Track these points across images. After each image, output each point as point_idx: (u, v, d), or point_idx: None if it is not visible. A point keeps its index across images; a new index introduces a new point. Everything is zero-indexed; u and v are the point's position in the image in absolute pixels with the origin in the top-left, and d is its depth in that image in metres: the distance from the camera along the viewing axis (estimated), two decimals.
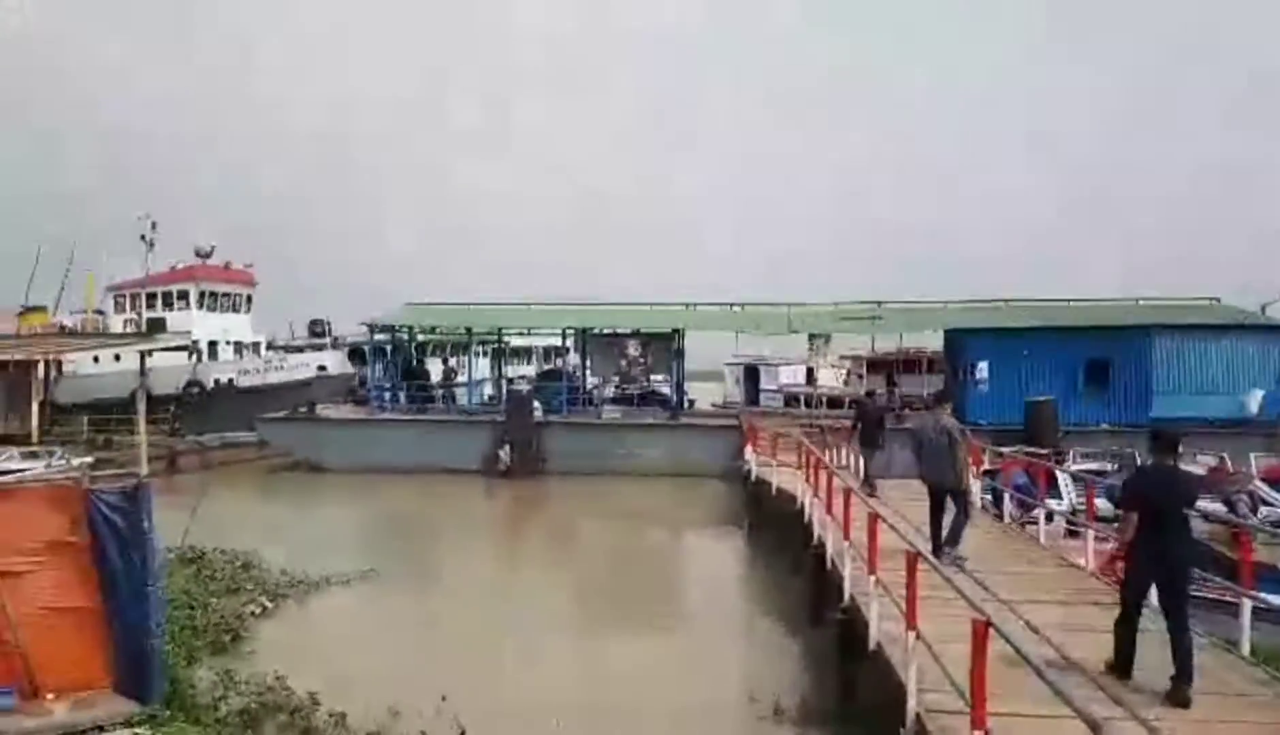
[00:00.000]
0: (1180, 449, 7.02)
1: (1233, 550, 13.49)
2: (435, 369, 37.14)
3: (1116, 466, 21.54)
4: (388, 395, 32.95)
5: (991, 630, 4.76)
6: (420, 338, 37.74)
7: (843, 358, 45.95)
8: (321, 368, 38.24)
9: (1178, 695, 6.26)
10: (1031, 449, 19.24)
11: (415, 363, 35.41)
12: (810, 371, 40.29)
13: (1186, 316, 28.65)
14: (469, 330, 35.64)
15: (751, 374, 43.35)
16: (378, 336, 35.26)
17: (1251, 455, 21.79)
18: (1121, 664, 6.67)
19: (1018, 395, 25.69)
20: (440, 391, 34.10)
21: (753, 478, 21.49)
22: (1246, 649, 7.29)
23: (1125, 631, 6.71)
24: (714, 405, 38.30)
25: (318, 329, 45.08)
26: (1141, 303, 30.64)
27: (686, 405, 33.30)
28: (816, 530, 12.81)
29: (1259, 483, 19.91)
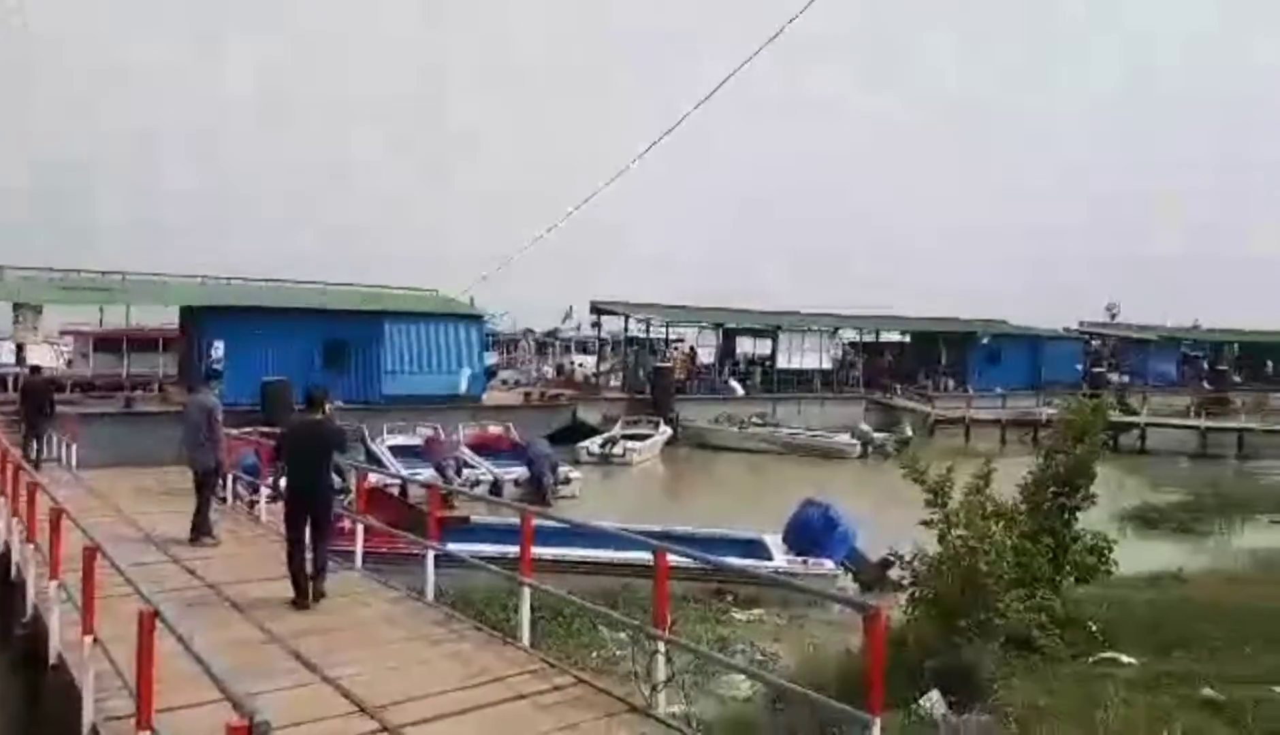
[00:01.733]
0: (327, 406, 8.49)
1: (444, 508, 15.67)
2: None
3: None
4: None
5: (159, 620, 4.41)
6: None
7: (64, 334, 39.46)
8: None
9: (317, 586, 8.01)
10: (267, 429, 19.24)
11: None
12: (20, 348, 33.45)
13: (412, 305, 32.05)
14: None
15: None
16: None
17: (460, 426, 25.63)
18: (301, 595, 7.96)
19: (256, 375, 25.43)
20: None
21: None
22: (431, 594, 8.33)
23: (297, 565, 8.00)
24: None
25: None
26: (373, 289, 33.24)
27: None
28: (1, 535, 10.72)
29: (465, 449, 23.60)
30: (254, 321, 27.06)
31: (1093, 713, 5.47)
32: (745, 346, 43.38)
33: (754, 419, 33.78)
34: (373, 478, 14.69)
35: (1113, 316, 55.86)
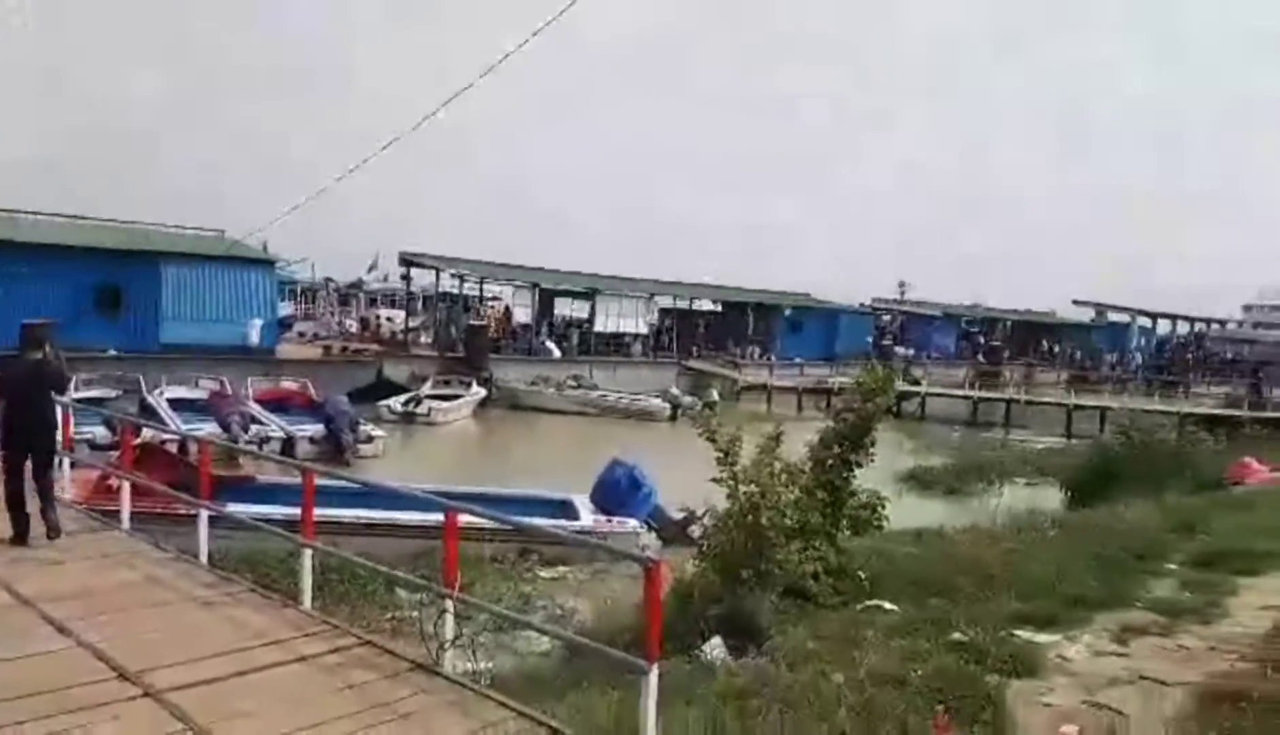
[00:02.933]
0: (46, 345, 8.56)
1: (228, 467, 14.71)
2: None
3: (120, 393, 21.15)
4: None
5: None
6: None
7: None
8: None
9: (50, 521, 8.00)
10: None
11: None
12: None
13: (195, 246, 29.62)
14: None
15: None
16: None
17: (249, 380, 24.06)
18: (20, 535, 7.93)
19: (17, 317, 22.75)
20: None
21: None
22: (204, 556, 7.78)
23: (16, 503, 7.96)
24: None
25: None
26: (151, 228, 30.47)
27: None
28: None
29: (254, 404, 22.15)
30: (17, 259, 24.18)
31: (854, 654, 5.89)
32: (563, 308, 43.36)
33: (569, 381, 33.93)
34: (147, 433, 13.57)
35: (903, 293, 60.29)
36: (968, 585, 7.92)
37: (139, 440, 11.45)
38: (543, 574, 12.04)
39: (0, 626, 5.81)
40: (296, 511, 7.99)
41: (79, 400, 15.10)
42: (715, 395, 34.77)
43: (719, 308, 49.66)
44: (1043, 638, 6.68)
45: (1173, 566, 9.28)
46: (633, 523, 13.34)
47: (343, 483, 10.78)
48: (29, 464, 8.16)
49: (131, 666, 5.37)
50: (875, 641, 6.11)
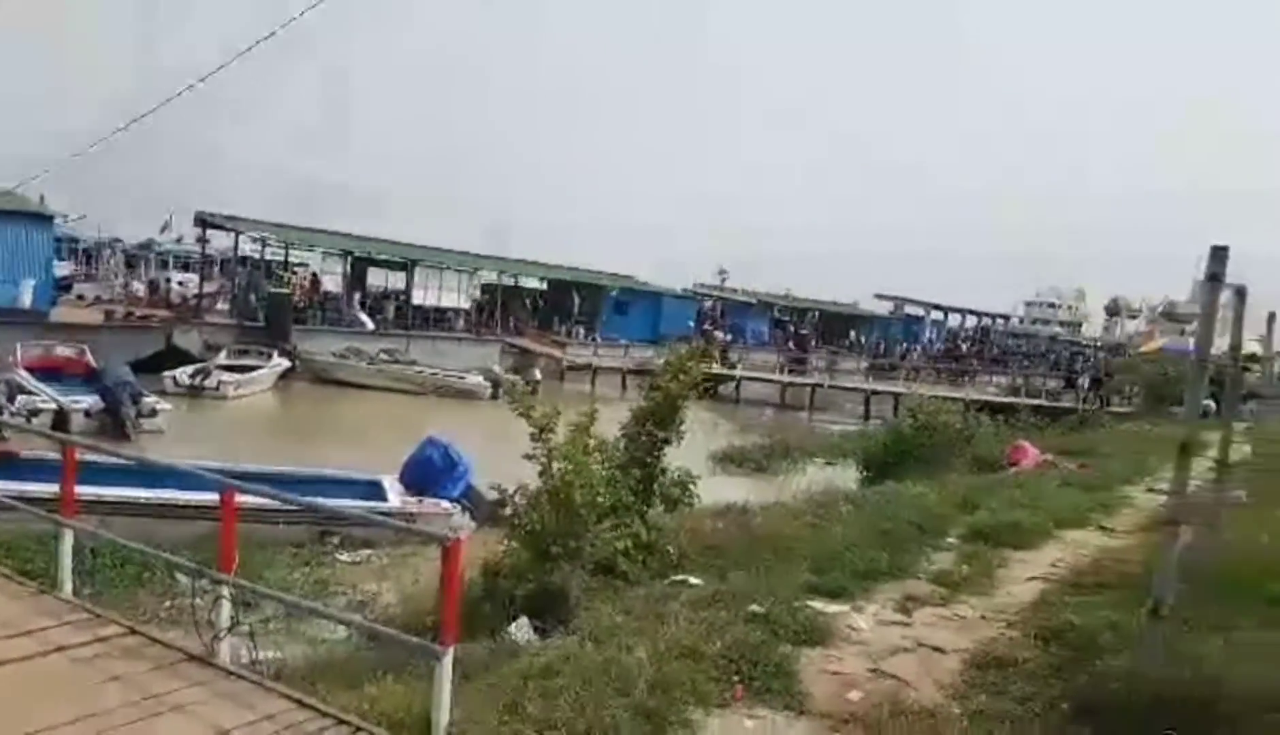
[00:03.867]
0: None
1: None
2: None
3: None
4: None
5: None
6: None
7: None
8: None
9: None
10: None
11: None
12: None
13: None
14: None
15: None
16: None
17: (19, 344, 21.64)
18: None
19: None
20: None
21: None
22: None
23: None
24: None
25: None
26: None
27: None
28: None
29: (22, 372, 19.93)
30: None
31: (659, 627, 5.97)
32: (378, 279, 41.64)
33: (382, 355, 32.65)
34: None
35: (723, 280, 62.37)
36: (768, 559, 8.23)
37: None
38: (343, 558, 11.53)
39: None
40: (80, 488, 7.24)
41: None
42: (538, 374, 34.58)
43: (544, 286, 49.43)
44: (833, 608, 7.04)
45: (953, 541, 10.05)
46: (445, 503, 13.01)
47: (113, 459, 9.83)
48: None
49: None
50: (679, 614, 6.21)
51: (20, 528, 8.41)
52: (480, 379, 31.86)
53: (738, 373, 39.72)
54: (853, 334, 64.20)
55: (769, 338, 57.96)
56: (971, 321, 72.42)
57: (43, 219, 28.05)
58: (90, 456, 7.33)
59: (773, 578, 7.50)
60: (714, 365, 25.03)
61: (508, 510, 11.00)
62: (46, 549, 8.20)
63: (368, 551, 11.79)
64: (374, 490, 13.10)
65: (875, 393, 37.47)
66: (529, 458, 7.27)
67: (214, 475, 5.84)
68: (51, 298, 28.08)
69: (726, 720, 5.16)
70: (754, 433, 26.77)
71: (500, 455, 14.95)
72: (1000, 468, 18.00)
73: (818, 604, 7.03)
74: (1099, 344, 73.18)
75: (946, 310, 69.08)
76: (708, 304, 57.81)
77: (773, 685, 5.51)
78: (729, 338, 52.72)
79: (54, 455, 12.20)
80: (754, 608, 6.53)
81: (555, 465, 7.04)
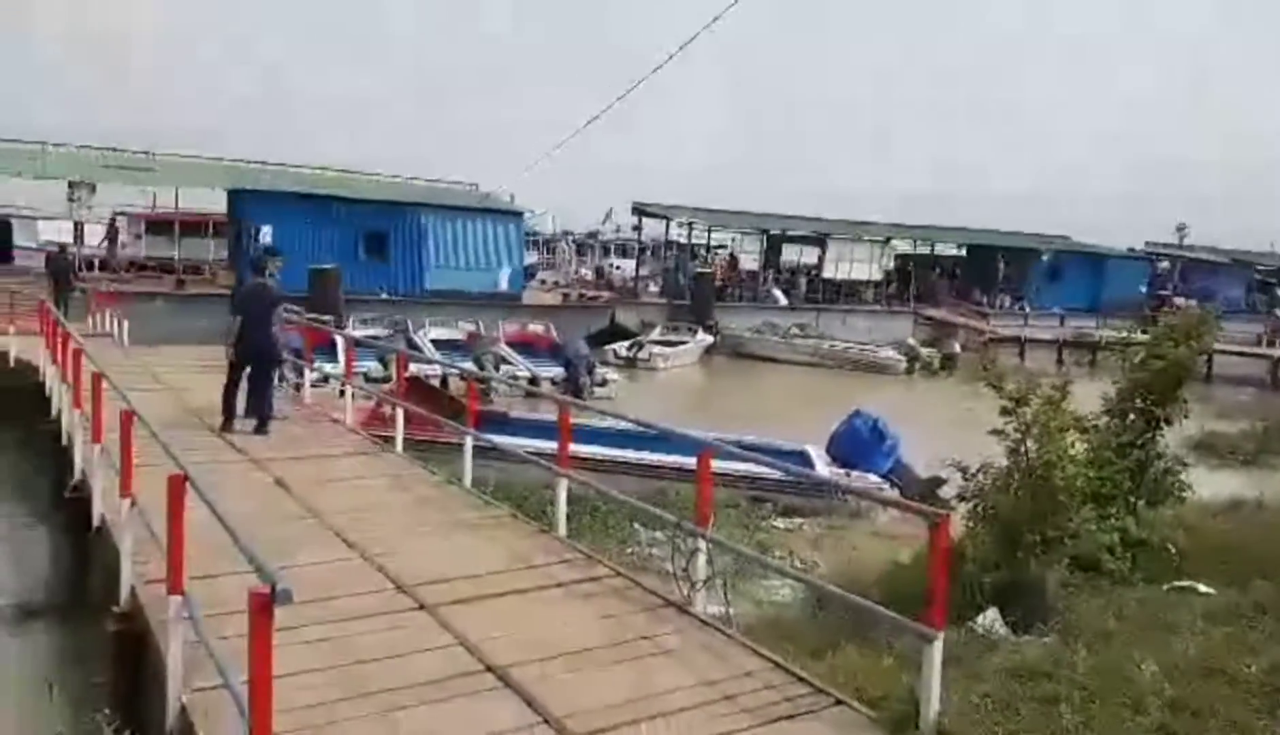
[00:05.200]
0: (269, 270, 9.84)
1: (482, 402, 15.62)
2: None
3: (391, 332, 23.10)
4: None
5: (190, 486, 4.20)
6: None
7: (120, 214, 39.29)
8: None
9: (260, 429, 9.50)
10: (315, 315, 19.20)
11: None
12: (79, 227, 33.28)
13: (450, 198, 31.66)
14: None
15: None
16: None
17: (499, 322, 25.58)
18: (228, 418, 9.57)
19: (302, 262, 25.36)
20: None
21: None
22: (468, 480, 8.17)
23: (231, 399, 9.63)
24: None
25: None
26: (413, 182, 32.90)
27: None
28: (55, 402, 10.97)
29: (503, 345, 23.54)
30: (299, 208, 26.99)
31: (1167, 638, 5.08)
32: (791, 255, 42.20)
33: (794, 329, 33.07)
34: (412, 366, 14.60)
35: (1182, 238, 53.30)
36: None
37: (406, 374, 12.28)
38: (778, 524, 11.74)
39: (293, 536, 6.28)
40: (547, 445, 8.22)
41: (357, 340, 16.36)
42: (957, 347, 32.60)
43: (963, 253, 46.33)
44: None
45: None
46: (873, 478, 12.67)
47: (594, 420, 11.04)
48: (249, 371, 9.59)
49: (405, 579, 5.66)
50: (1192, 625, 5.24)
51: (511, 474, 9.65)
52: (894, 353, 30.86)
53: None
54: None
55: (1247, 304, 48.42)
56: None
57: (516, 216, 32.77)
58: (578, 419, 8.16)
59: None
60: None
61: (947, 490, 10.33)
62: (534, 495, 9.49)
63: (799, 520, 11.90)
64: (802, 460, 13.15)
65: None
66: (997, 433, 6.63)
67: (694, 437, 6.16)
68: (522, 283, 32.58)
69: None
70: (1234, 417, 22.49)
71: (920, 433, 14.26)
72: None
73: None
74: None
75: None
76: (1164, 264, 49.83)
77: None
78: (1190, 304, 44.99)
79: (532, 416, 14.27)
80: None
81: (1030, 443, 6.33)
